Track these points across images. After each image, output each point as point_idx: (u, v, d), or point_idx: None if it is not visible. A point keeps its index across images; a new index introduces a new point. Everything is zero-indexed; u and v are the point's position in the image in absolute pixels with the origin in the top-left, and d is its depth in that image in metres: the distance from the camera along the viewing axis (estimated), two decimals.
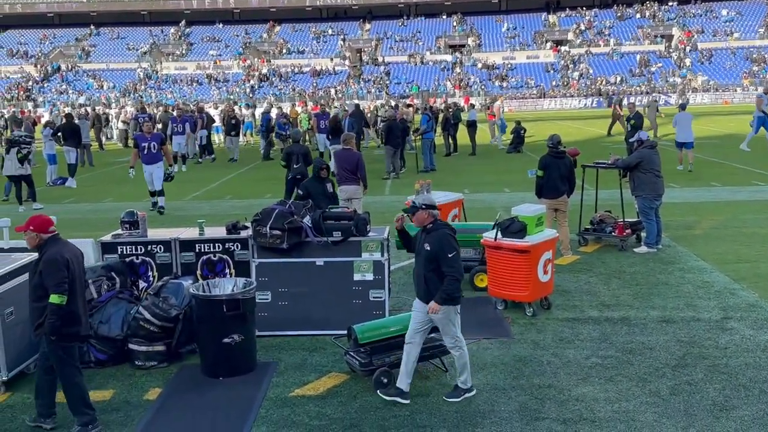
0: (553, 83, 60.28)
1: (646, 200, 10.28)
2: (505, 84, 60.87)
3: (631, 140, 13.08)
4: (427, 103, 32.09)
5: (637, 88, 56.09)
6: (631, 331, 7.34)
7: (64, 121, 20.63)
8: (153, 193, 14.90)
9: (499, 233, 7.90)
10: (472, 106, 28.94)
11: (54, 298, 5.24)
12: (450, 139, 24.32)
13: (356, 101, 36.27)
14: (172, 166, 15.13)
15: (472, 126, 24.71)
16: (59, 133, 20.26)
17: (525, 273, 7.75)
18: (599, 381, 6.21)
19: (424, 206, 5.85)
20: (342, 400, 5.99)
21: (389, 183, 18.63)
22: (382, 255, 7.54)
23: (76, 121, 22.59)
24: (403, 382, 5.93)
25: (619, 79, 59.17)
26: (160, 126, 24.37)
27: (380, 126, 25.21)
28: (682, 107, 18.94)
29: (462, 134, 24.91)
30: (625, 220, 10.73)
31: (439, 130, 24.88)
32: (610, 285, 8.90)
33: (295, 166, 12.88)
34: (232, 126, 24.73)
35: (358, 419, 5.65)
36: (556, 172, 9.95)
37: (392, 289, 8.53)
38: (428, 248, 5.75)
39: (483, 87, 59.75)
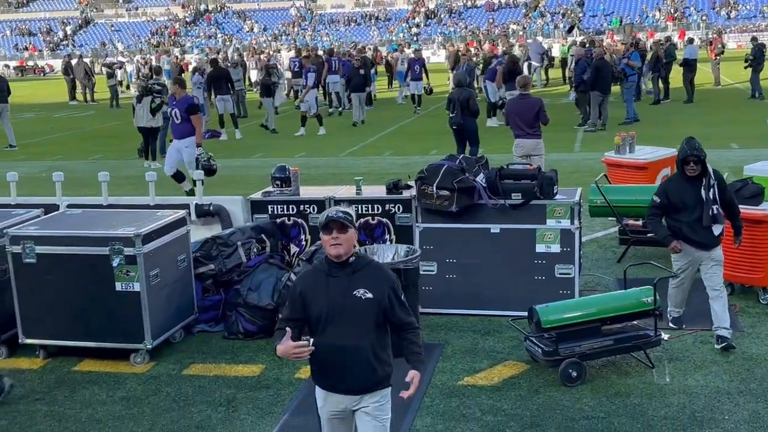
0: None
1: None
2: (732, 14, 56.73)
3: None
4: (634, 38, 30.59)
5: None
6: None
7: (210, 68, 21.39)
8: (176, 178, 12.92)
9: None
10: (690, 41, 27.14)
11: None
12: (660, 82, 23.13)
13: (539, 38, 35.29)
14: (200, 147, 12.19)
15: (688, 66, 23.29)
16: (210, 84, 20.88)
17: (760, 249, 7.21)
18: None
19: None
20: (521, 394, 5.91)
21: (580, 137, 18.06)
22: (572, 223, 7.30)
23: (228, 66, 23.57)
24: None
25: None
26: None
27: (572, 67, 24.36)
28: None
29: (676, 76, 23.60)
30: None
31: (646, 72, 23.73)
32: None
33: (451, 114, 12.86)
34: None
35: (540, 417, 5.55)
36: None
37: (583, 264, 8.26)
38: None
39: (704, 18, 56.07)
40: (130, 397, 6.21)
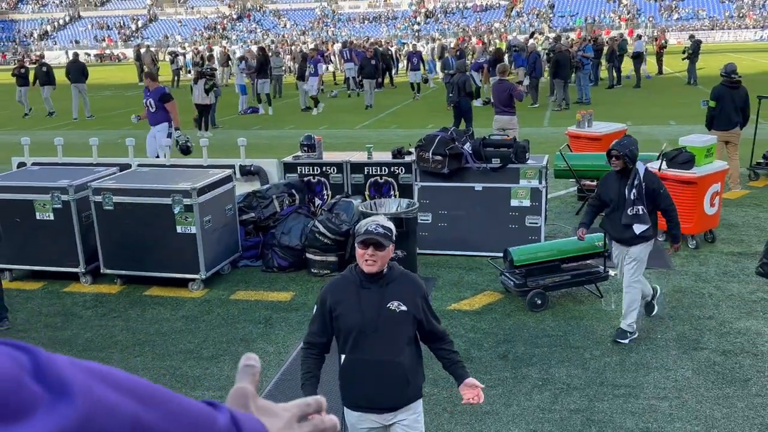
0: (727, 14, 54.15)
1: None
2: (675, 16, 55.58)
3: None
4: (594, 35, 30.06)
5: None
6: None
7: (259, 54, 21.02)
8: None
9: (665, 164, 7.31)
10: (639, 37, 26.62)
11: None
12: (614, 71, 22.76)
13: (520, 36, 34.68)
14: (178, 130, 10.83)
15: (637, 58, 22.91)
16: (254, 68, 20.49)
17: (691, 205, 7.15)
18: (764, 316, 5.67)
19: None
20: (496, 317, 5.94)
21: (548, 114, 17.86)
22: (540, 182, 7.26)
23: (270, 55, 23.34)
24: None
25: None
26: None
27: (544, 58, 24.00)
28: None
29: (628, 66, 23.22)
30: None
31: (603, 62, 23.36)
32: None
33: (450, 95, 12.76)
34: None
35: (511, 335, 5.59)
36: (730, 104, 8.97)
37: (548, 216, 8.23)
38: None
39: (651, 18, 54.97)
40: (189, 315, 6.27)
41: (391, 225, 3.12)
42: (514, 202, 7.29)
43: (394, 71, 28.14)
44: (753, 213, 8.36)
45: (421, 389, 3.23)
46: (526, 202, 7.25)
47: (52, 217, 6.89)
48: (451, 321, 5.89)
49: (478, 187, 7.40)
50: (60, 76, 20.83)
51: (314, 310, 3.22)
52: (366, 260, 3.01)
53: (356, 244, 3.06)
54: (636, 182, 5.19)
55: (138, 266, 6.85)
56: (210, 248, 6.77)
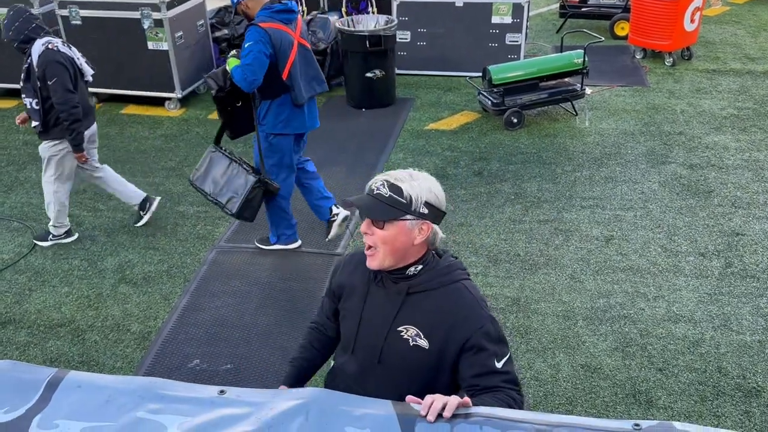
0: None
1: None
2: None
3: None
4: None
5: None
6: None
7: None
8: None
9: None
10: None
11: None
12: None
13: None
14: None
15: None
16: None
17: (670, 21, 6.93)
18: (732, 131, 5.74)
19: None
20: (473, 136, 5.94)
21: None
22: None
23: None
24: None
25: None
26: None
27: None
28: None
29: None
30: None
31: None
32: (758, 38, 7.87)
33: None
34: None
35: (487, 153, 5.63)
36: None
37: (529, 34, 7.96)
38: None
39: None
40: (167, 134, 6.18)
41: (412, 185, 1.77)
42: (495, 19, 6.99)
43: None
44: (731, 30, 8.17)
45: None
46: (508, 19, 6.96)
47: None
48: (428, 140, 5.89)
49: (459, 2, 7.04)
50: None
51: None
52: (366, 246, 1.84)
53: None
54: None
55: (113, 84, 6.61)
56: (183, 66, 6.51)
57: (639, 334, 3.58)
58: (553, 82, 6.18)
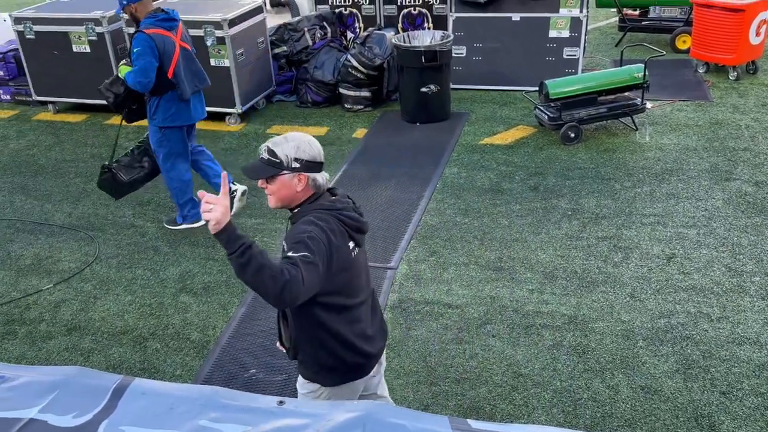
0: None
1: None
2: None
3: None
4: None
5: None
6: None
7: None
8: None
9: None
10: None
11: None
12: None
13: None
14: None
15: None
16: None
17: (735, 34, 6.72)
18: None
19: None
20: (528, 151, 5.87)
21: None
22: (581, 11, 6.83)
23: None
24: None
25: None
26: None
27: None
28: None
29: None
30: None
31: None
32: None
33: None
34: None
35: (543, 168, 5.55)
36: None
37: (587, 48, 7.85)
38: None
39: None
40: (227, 148, 6.33)
41: (284, 147, 2.22)
42: (552, 33, 6.92)
43: None
44: None
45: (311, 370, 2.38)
46: (565, 33, 6.89)
47: (88, 50, 6.78)
48: (483, 155, 5.85)
49: (516, 17, 7.01)
50: None
51: None
52: None
53: None
54: None
55: None
56: (244, 82, 6.66)
57: (702, 356, 3.45)
58: (612, 96, 6.07)
